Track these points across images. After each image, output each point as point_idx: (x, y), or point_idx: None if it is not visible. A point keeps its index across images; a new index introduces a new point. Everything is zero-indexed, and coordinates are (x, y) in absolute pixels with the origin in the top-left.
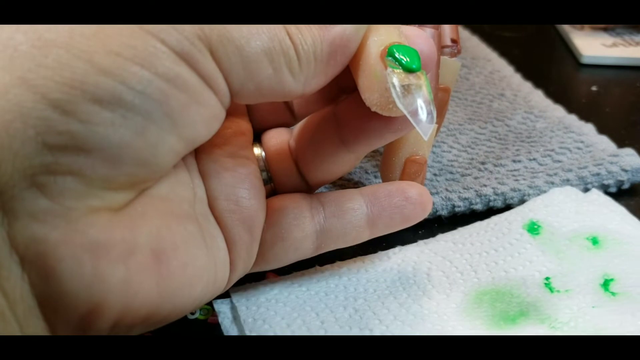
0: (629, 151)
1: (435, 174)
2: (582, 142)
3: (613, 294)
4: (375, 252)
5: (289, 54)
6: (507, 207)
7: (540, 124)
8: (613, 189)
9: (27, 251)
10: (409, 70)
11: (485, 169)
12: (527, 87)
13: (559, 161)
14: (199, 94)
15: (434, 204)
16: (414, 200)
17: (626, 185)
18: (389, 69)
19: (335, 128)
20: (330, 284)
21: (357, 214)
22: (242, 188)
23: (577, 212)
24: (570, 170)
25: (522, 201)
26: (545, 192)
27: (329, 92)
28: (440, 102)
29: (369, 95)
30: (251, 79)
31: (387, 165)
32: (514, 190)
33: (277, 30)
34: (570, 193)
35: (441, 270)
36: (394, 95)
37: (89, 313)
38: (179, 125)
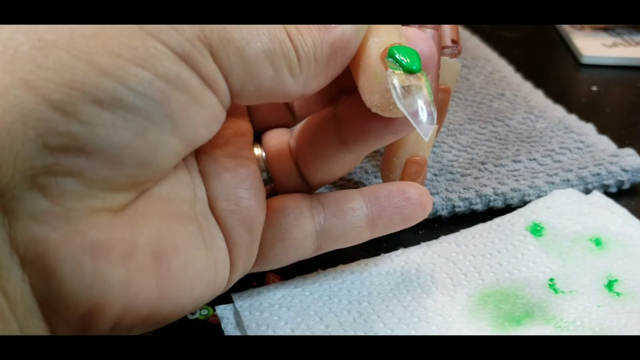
0: (629, 151)
1: (435, 174)
2: (582, 142)
3: (618, 294)
4: (376, 253)
5: (289, 55)
6: (507, 207)
7: (541, 124)
8: (613, 189)
9: (27, 252)
10: (409, 71)
11: (486, 169)
12: (527, 87)
13: (559, 161)
14: (199, 95)
15: (434, 204)
16: (414, 200)
17: (626, 186)
18: (389, 70)
19: (335, 129)
20: (334, 287)
21: (357, 214)
22: (242, 188)
23: (579, 213)
24: (570, 171)
25: (522, 201)
26: (545, 192)
27: (329, 93)
28: (441, 103)
29: (370, 96)
30: (251, 80)
31: (387, 165)
32: (514, 190)
33: (277, 32)
34: (571, 195)
35: (445, 272)
36: (394, 96)
37: (89, 313)
38: (180, 126)
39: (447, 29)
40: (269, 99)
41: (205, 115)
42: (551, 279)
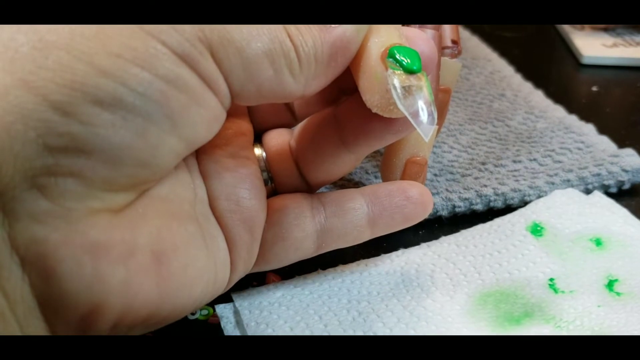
0: (629, 151)
1: (435, 175)
2: (582, 142)
3: (618, 294)
4: (376, 253)
5: (289, 55)
6: (508, 208)
7: (541, 124)
8: (614, 190)
9: (27, 252)
10: (409, 71)
11: (486, 169)
12: (527, 87)
13: (560, 161)
14: (199, 95)
15: (434, 204)
16: (415, 199)
17: (627, 186)
18: (390, 70)
19: (335, 129)
20: (333, 287)
21: (357, 213)
22: (243, 188)
23: (580, 214)
24: (570, 171)
25: (522, 201)
26: (545, 192)
27: (330, 93)
28: (441, 103)
29: (370, 96)
30: (252, 80)
31: (387, 166)
32: (514, 190)
33: (277, 32)
34: (572, 195)
35: (445, 272)
36: (394, 96)
37: (89, 314)
38: (180, 127)
39: (448, 29)
40: (270, 100)
41: (206, 116)
42: (551, 279)
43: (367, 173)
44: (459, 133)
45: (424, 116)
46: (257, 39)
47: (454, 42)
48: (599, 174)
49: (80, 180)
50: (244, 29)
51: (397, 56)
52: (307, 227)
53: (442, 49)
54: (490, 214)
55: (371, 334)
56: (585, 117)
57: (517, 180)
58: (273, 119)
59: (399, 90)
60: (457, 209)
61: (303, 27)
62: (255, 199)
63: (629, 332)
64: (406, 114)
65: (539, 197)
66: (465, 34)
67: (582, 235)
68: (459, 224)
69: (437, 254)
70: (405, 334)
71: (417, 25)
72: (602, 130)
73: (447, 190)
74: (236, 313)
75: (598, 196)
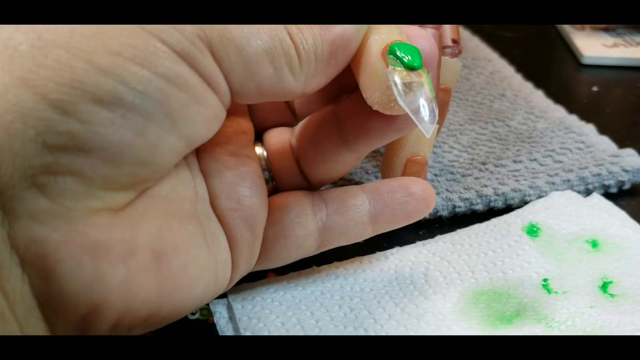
0: (629, 151)
1: (436, 175)
2: (582, 142)
3: (612, 295)
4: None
5: (289, 53)
6: (508, 208)
7: (541, 124)
8: (614, 190)
9: (27, 252)
10: (410, 68)
11: (486, 169)
12: (527, 87)
13: (560, 162)
14: (199, 93)
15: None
16: (418, 196)
17: (627, 186)
18: (390, 67)
19: (336, 127)
20: (327, 283)
21: (359, 210)
22: (244, 186)
23: (577, 215)
24: (571, 171)
25: (522, 202)
26: (546, 192)
27: (330, 91)
28: (441, 103)
29: (371, 93)
30: (252, 78)
31: (388, 165)
32: (514, 190)
33: (277, 30)
34: (570, 197)
35: (439, 270)
36: (395, 93)
37: (89, 314)
38: (179, 125)
39: (448, 29)
40: (270, 98)
41: (206, 114)
42: (545, 279)
43: (367, 173)
44: (459, 133)
45: (425, 113)
46: (257, 37)
47: (455, 41)
48: (599, 174)
49: (79, 179)
50: (244, 27)
51: (398, 53)
52: (309, 225)
53: (442, 48)
54: (490, 214)
55: (362, 330)
56: (585, 117)
57: (517, 181)
58: (274, 118)
59: (399, 87)
60: (457, 209)
61: (303, 26)
62: (256, 197)
63: (622, 333)
64: (407, 110)
65: (540, 197)
66: (465, 34)
67: (578, 236)
68: (459, 224)
69: (431, 253)
70: (397, 330)
71: (418, 25)
72: (602, 130)
73: (447, 190)
74: (229, 308)
75: (597, 198)
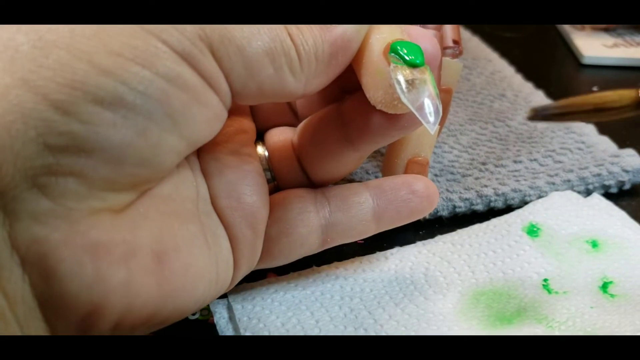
0: (630, 152)
1: (436, 175)
2: (583, 142)
3: (612, 295)
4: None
5: (290, 54)
6: (508, 208)
7: (541, 124)
8: (614, 190)
9: (28, 252)
10: (412, 65)
11: (486, 169)
12: (528, 87)
13: (560, 162)
14: (200, 94)
15: None
16: (421, 193)
17: (627, 186)
18: (393, 65)
19: (339, 126)
20: (327, 283)
21: (363, 207)
22: (244, 185)
23: (578, 215)
24: (571, 171)
25: (523, 202)
26: (546, 192)
27: (331, 92)
28: (443, 104)
29: (374, 93)
30: (252, 79)
31: (389, 166)
32: (514, 190)
33: (278, 31)
34: (570, 197)
35: (439, 270)
36: (398, 91)
37: (90, 314)
38: (181, 125)
39: (449, 30)
40: (271, 99)
41: (207, 114)
42: (545, 280)
43: (367, 173)
44: (459, 133)
45: (429, 109)
46: (257, 37)
47: (455, 42)
48: (599, 174)
49: (81, 179)
50: (245, 27)
51: (400, 51)
52: (311, 222)
53: (443, 49)
54: (490, 214)
55: (362, 330)
56: None
57: (517, 181)
58: (275, 118)
59: (403, 85)
60: (457, 209)
61: (304, 27)
62: (257, 196)
63: (622, 333)
64: (411, 108)
65: (540, 197)
66: (466, 34)
67: (578, 236)
68: (459, 224)
69: (431, 253)
70: (396, 331)
71: (419, 25)
72: (602, 130)
73: (447, 190)
74: (229, 308)
75: (597, 198)
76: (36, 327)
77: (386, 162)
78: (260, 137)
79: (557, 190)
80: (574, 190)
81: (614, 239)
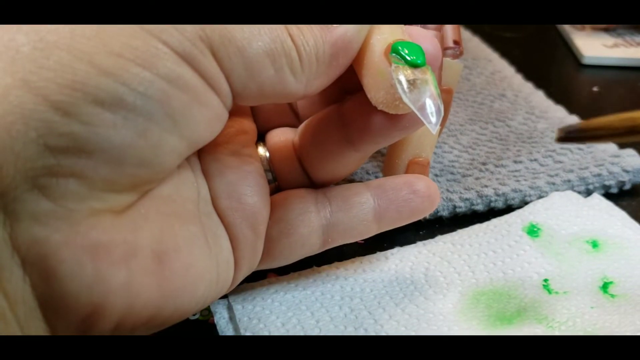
0: (630, 152)
1: (436, 175)
2: None
3: (612, 296)
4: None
5: (290, 55)
6: (508, 208)
7: (542, 124)
8: (614, 190)
9: (28, 253)
10: (414, 65)
11: (487, 169)
12: (528, 87)
13: (560, 162)
14: (200, 94)
15: None
16: (422, 193)
17: (627, 186)
18: (394, 65)
19: (340, 127)
20: (327, 284)
21: (364, 207)
22: (245, 185)
23: (578, 215)
24: (571, 171)
25: (523, 202)
26: (546, 192)
27: (332, 93)
28: (443, 104)
29: (375, 93)
30: (253, 79)
31: (390, 166)
32: (515, 191)
33: (279, 31)
34: (571, 197)
35: (439, 270)
36: (400, 91)
37: (90, 315)
38: (181, 126)
39: (449, 30)
40: (272, 99)
41: (207, 115)
42: (545, 280)
43: (368, 173)
44: (459, 133)
45: (430, 109)
46: (258, 38)
47: (456, 42)
48: (599, 174)
49: (81, 180)
50: (245, 28)
51: (401, 51)
52: (312, 223)
53: (444, 49)
54: (491, 214)
55: (362, 330)
56: (586, 117)
57: (517, 181)
58: (276, 119)
59: (404, 85)
60: (457, 210)
61: (304, 27)
62: (257, 196)
63: (622, 334)
64: (413, 108)
65: (540, 197)
66: (466, 34)
67: (578, 236)
68: (460, 224)
69: (432, 253)
70: (396, 331)
71: (419, 26)
72: None
73: (447, 190)
74: (229, 308)
75: (597, 199)
76: (36, 327)
77: (387, 163)
78: (261, 138)
79: (557, 190)
80: (574, 191)
81: (614, 239)
